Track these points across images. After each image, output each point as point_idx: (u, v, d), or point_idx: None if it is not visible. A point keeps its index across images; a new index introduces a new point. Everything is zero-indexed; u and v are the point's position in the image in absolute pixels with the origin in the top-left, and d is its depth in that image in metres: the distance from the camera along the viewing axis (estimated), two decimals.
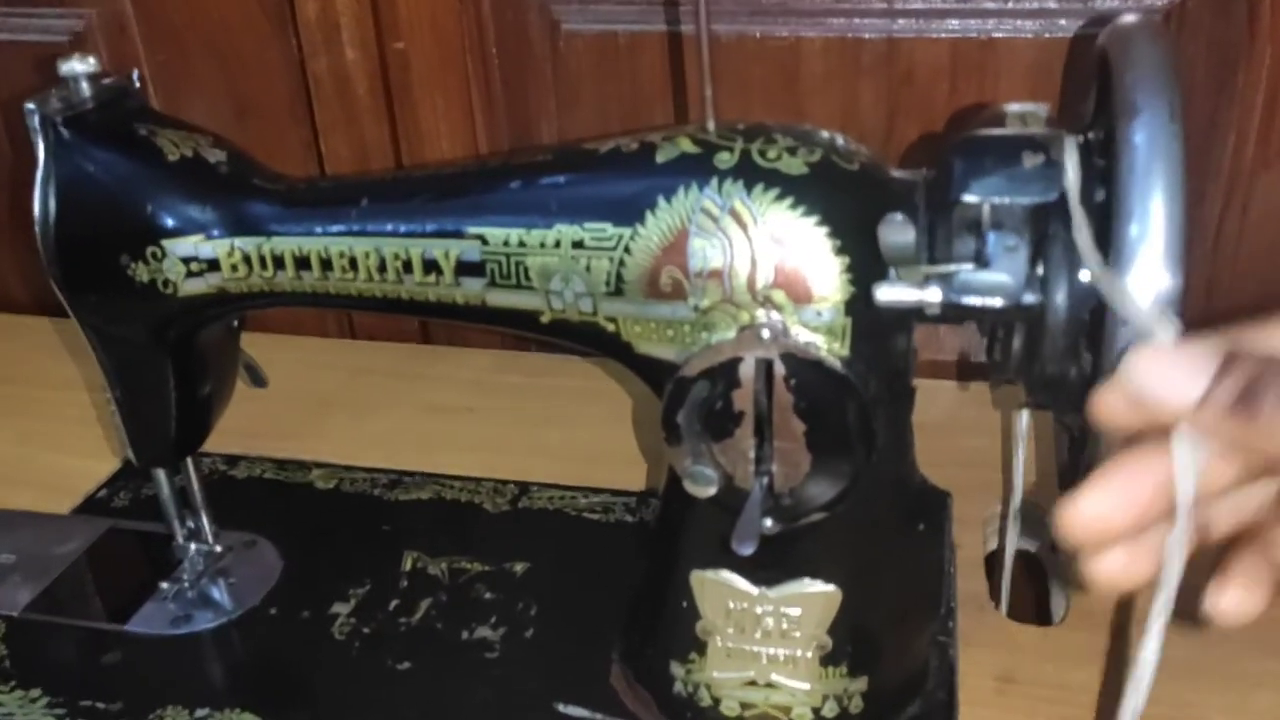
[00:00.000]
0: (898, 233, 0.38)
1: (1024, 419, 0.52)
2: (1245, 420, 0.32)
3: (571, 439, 0.74)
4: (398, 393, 0.80)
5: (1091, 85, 0.44)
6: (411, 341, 0.88)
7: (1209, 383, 0.33)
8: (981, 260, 0.38)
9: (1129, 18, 0.40)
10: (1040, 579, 0.63)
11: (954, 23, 0.68)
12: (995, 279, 0.37)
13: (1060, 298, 0.36)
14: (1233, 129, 0.68)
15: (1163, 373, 0.34)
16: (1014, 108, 0.42)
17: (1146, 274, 0.36)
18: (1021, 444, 0.52)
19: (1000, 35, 0.67)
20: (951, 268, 0.38)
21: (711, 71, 0.44)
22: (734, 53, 0.71)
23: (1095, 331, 0.38)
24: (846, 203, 0.42)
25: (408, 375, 0.83)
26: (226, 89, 0.81)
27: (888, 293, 0.39)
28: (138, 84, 0.54)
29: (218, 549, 0.63)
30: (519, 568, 0.62)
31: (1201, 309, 0.74)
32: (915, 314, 0.41)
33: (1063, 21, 0.66)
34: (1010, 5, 0.67)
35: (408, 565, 0.63)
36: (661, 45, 0.73)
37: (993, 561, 0.61)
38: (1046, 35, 0.67)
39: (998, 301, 0.38)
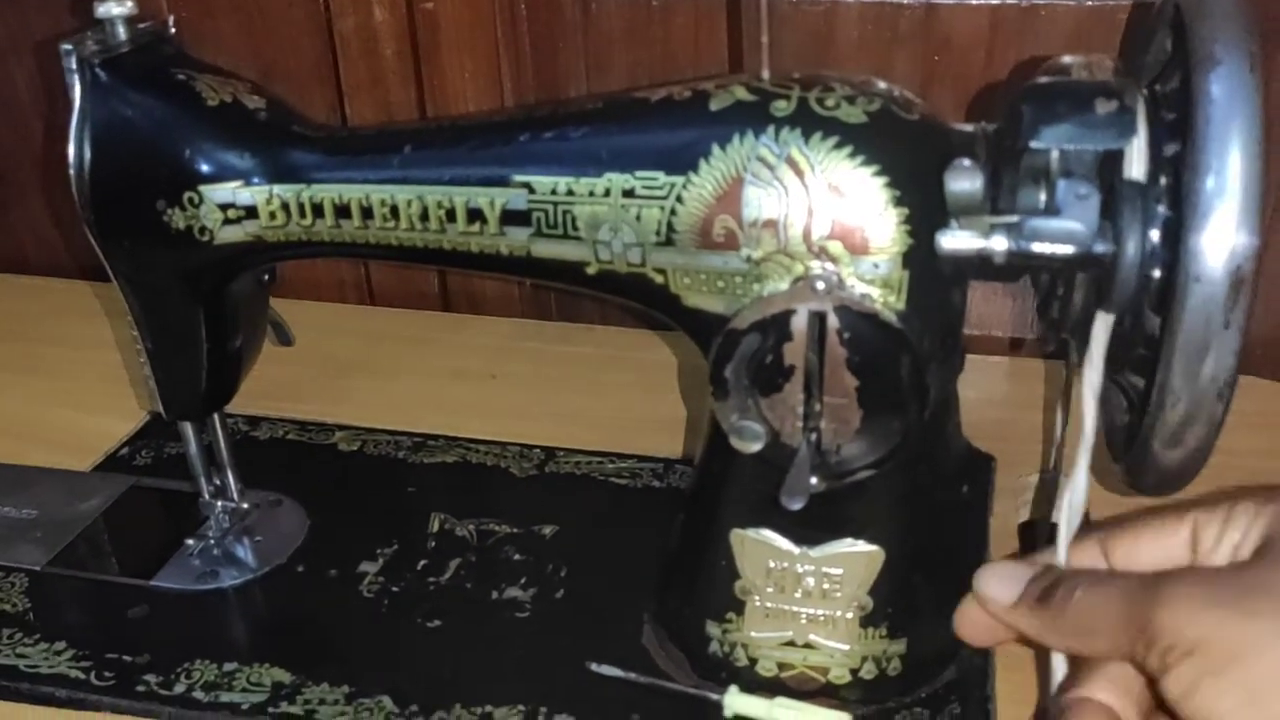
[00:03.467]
0: (965, 178, 0.38)
1: (1074, 385, 0.51)
2: (1044, 609, 0.41)
3: (594, 406, 0.73)
4: (418, 358, 0.80)
5: (1152, 39, 0.44)
6: (431, 308, 0.87)
7: (1024, 587, 0.42)
8: (1050, 208, 0.37)
9: None
10: None
11: None
12: (1066, 226, 0.37)
13: (1132, 248, 0.36)
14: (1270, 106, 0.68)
15: (993, 582, 0.43)
16: (1076, 59, 0.41)
17: (1221, 231, 0.35)
18: (1069, 412, 0.51)
19: (1041, 1, 0.67)
20: (1018, 217, 0.38)
21: (753, 31, 0.43)
22: (755, 16, 0.70)
23: (1164, 291, 0.37)
24: (906, 153, 0.42)
25: (428, 341, 0.82)
26: (251, 48, 0.80)
27: (952, 240, 0.39)
28: (174, 31, 0.53)
29: (244, 506, 0.63)
30: (547, 530, 0.62)
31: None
32: (975, 267, 0.41)
33: None
34: None
35: (434, 526, 0.63)
36: (695, 8, 0.72)
37: (1024, 531, 0.61)
38: (1089, 2, 0.66)
39: (1068, 249, 0.37)
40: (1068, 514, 0.43)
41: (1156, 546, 0.42)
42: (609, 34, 0.74)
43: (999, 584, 0.44)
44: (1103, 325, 0.38)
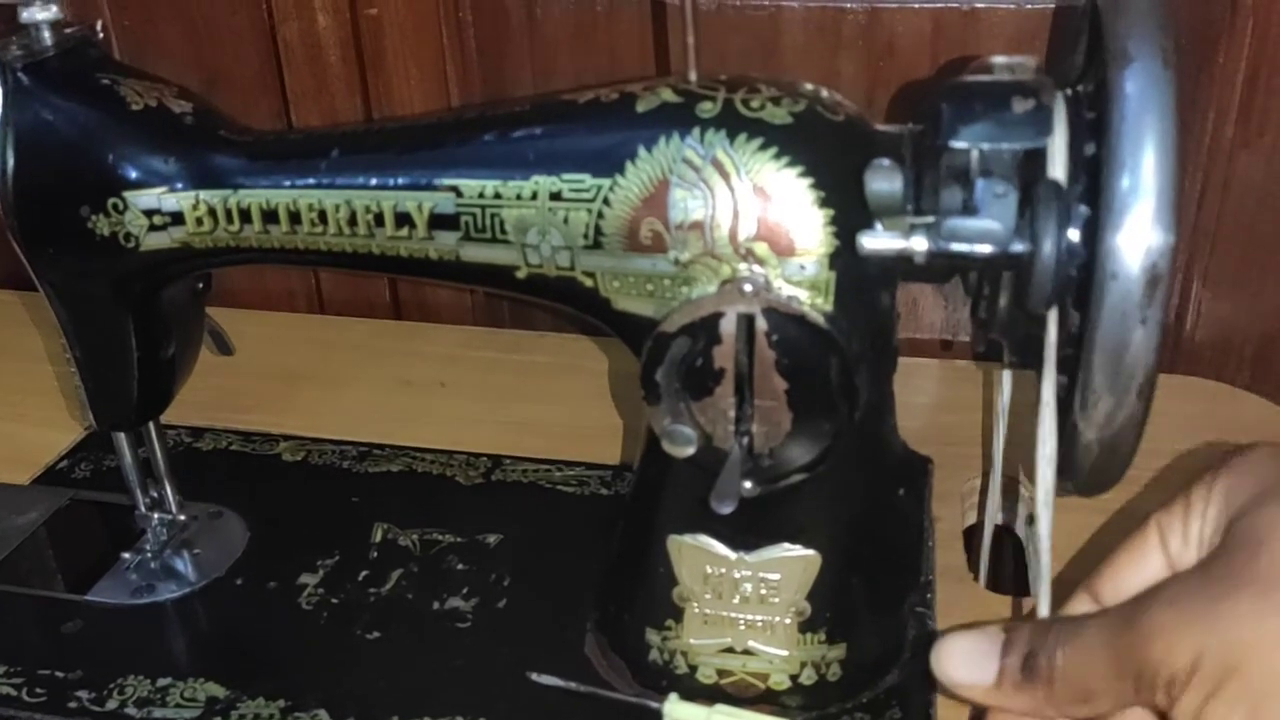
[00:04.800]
0: (885, 179, 0.37)
1: (1006, 387, 0.51)
2: (1032, 684, 0.39)
3: (545, 414, 0.73)
4: (368, 367, 0.79)
5: (1078, 40, 0.44)
6: (382, 317, 0.86)
7: (998, 662, 0.40)
8: (969, 208, 0.37)
9: None
10: (1018, 551, 0.63)
11: None
12: (983, 225, 0.36)
13: (1049, 246, 0.35)
14: (1213, 107, 0.68)
15: (960, 664, 0.41)
16: (1001, 60, 0.41)
17: (1137, 229, 0.35)
18: (1004, 413, 0.51)
19: (982, 6, 0.67)
20: (937, 216, 0.37)
21: (679, 33, 0.43)
22: (713, 22, 0.70)
23: (1083, 290, 0.37)
24: (831, 154, 0.42)
25: (378, 350, 0.81)
26: (194, 55, 0.80)
27: (873, 241, 0.38)
28: (101, 35, 0.53)
29: (181, 519, 0.62)
30: (492, 539, 0.61)
31: (1179, 287, 0.74)
32: (900, 267, 0.41)
33: None
34: None
35: (377, 536, 0.62)
36: (640, 15, 0.72)
37: (971, 535, 0.61)
38: (1028, 6, 0.66)
39: (986, 249, 0.37)
40: (1044, 557, 0.42)
41: (1135, 569, 0.41)
42: (554, 39, 0.74)
43: (967, 666, 0.42)
44: (1053, 324, 0.38)
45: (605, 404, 0.73)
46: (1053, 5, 0.66)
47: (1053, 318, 0.39)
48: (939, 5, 0.68)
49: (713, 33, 0.70)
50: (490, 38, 0.75)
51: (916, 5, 0.68)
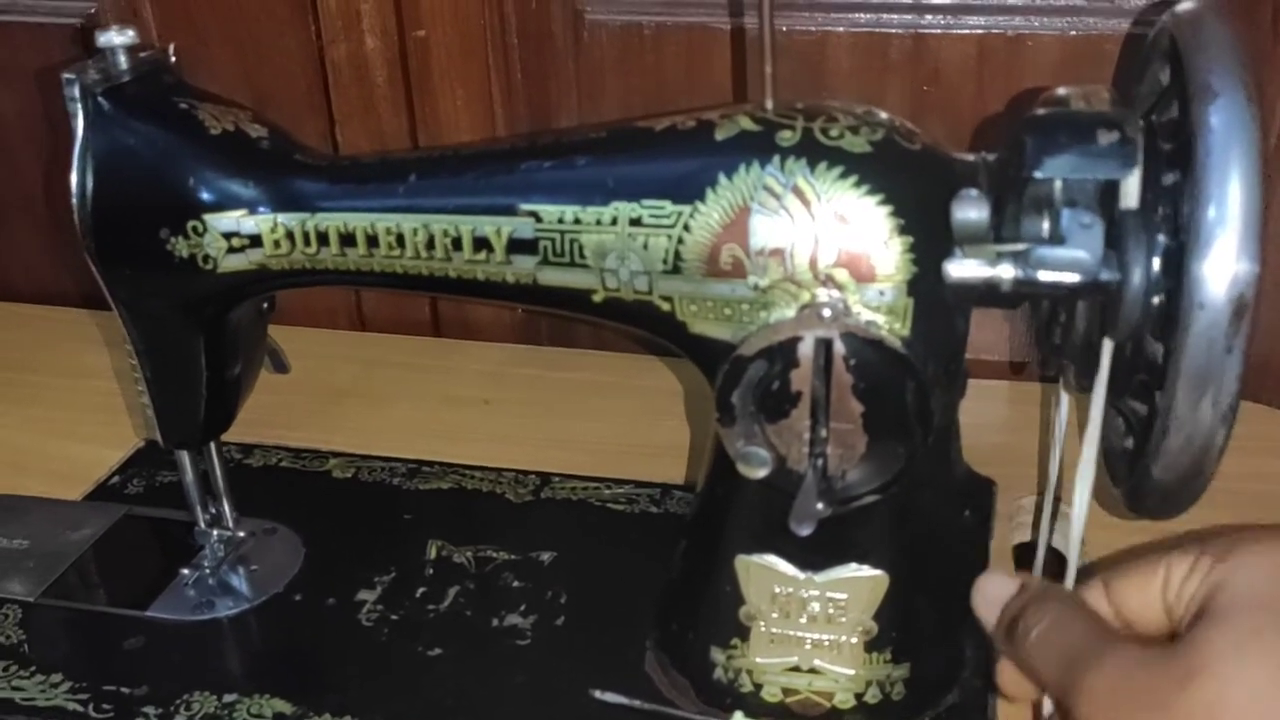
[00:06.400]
0: (972, 208, 0.38)
1: (1064, 407, 0.52)
2: (1009, 643, 0.44)
3: (589, 432, 0.73)
4: (412, 384, 0.79)
5: (1145, 70, 0.45)
6: (423, 334, 0.87)
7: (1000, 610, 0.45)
8: (1055, 237, 0.38)
9: (1192, 1, 0.41)
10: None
11: (981, 19, 0.68)
12: (1072, 255, 0.37)
13: (1138, 276, 0.36)
14: None
15: (980, 602, 0.46)
16: (1073, 89, 0.42)
17: (1223, 259, 0.36)
18: (1061, 434, 0.52)
19: (1028, 32, 0.68)
20: (1024, 245, 0.38)
21: (756, 63, 0.44)
22: (759, 48, 0.71)
23: (1164, 319, 0.38)
24: (910, 182, 0.42)
25: (421, 367, 0.82)
26: (242, 76, 0.80)
27: (959, 269, 0.39)
28: (174, 59, 0.53)
29: (239, 535, 0.62)
30: (545, 556, 0.62)
31: None
32: (979, 294, 0.41)
33: (1091, 19, 0.67)
34: (1037, 2, 0.67)
35: (432, 554, 0.62)
36: (688, 38, 0.73)
37: (1020, 552, 0.61)
38: (1073, 33, 0.67)
39: (1074, 278, 0.38)
40: (1076, 542, 0.43)
41: (1139, 591, 0.42)
42: (600, 61, 0.75)
43: (984, 605, 0.46)
44: (1108, 353, 0.39)
45: (649, 422, 0.74)
46: (1096, 32, 0.67)
47: (1107, 346, 0.40)
48: (983, 31, 0.69)
49: (758, 57, 0.71)
50: (536, 60, 0.76)
51: (962, 31, 0.69)
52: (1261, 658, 0.35)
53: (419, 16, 0.76)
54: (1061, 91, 0.43)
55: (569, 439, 0.72)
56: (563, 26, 0.75)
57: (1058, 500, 0.61)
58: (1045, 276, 0.38)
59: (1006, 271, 0.38)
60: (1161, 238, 0.38)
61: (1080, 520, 0.44)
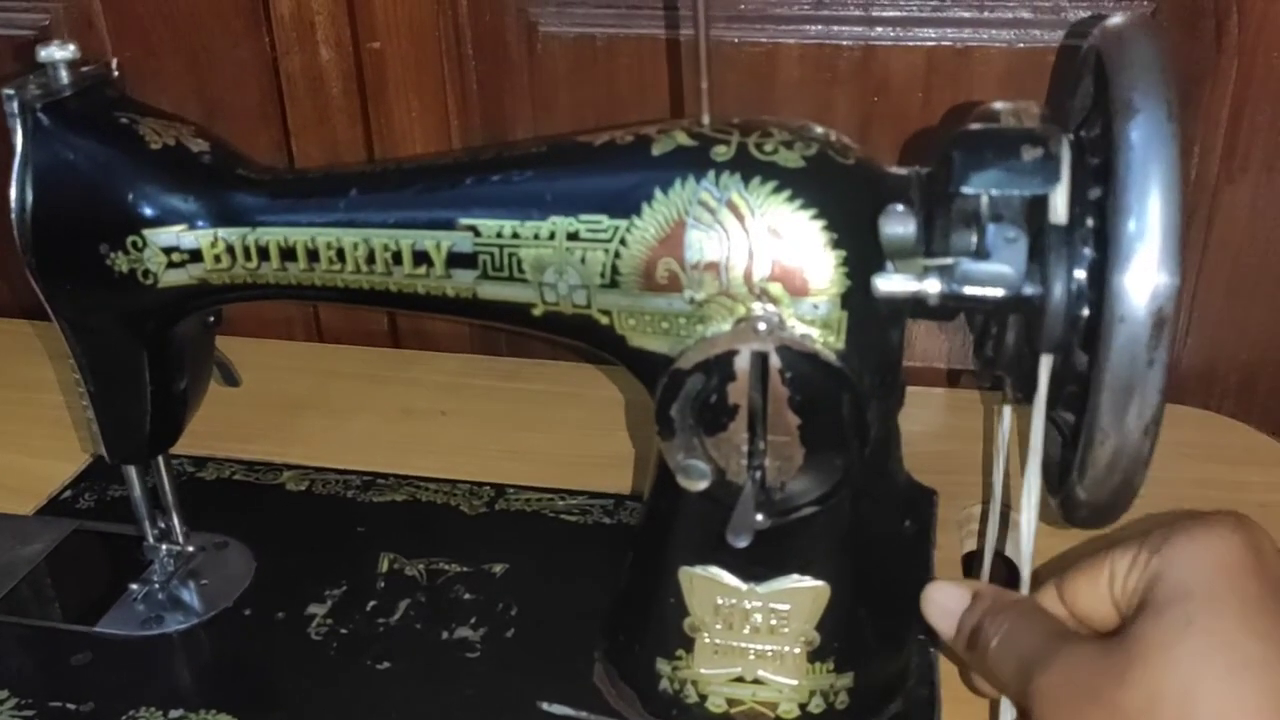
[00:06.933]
0: (899, 223, 0.39)
1: (1006, 418, 0.52)
2: (971, 652, 0.44)
3: (544, 443, 0.73)
4: (368, 396, 0.79)
5: (1078, 85, 0.45)
6: (381, 345, 0.87)
7: (959, 619, 0.45)
8: (981, 252, 0.38)
9: (1121, 17, 0.41)
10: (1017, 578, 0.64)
11: (931, 31, 0.69)
12: (995, 269, 0.38)
13: (1059, 289, 0.37)
14: (1197, 143, 0.70)
15: (934, 613, 0.47)
16: (1005, 105, 0.43)
17: (1143, 272, 0.36)
18: (1004, 444, 0.52)
19: (975, 44, 0.68)
20: (951, 260, 0.39)
21: (692, 78, 0.44)
22: (695, 62, 0.71)
23: (1090, 331, 0.39)
24: (843, 196, 0.43)
25: (378, 379, 0.82)
26: (195, 87, 0.80)
27: (887, 283, 0.40)
28: (116, 74, 0.53)
29: (189, 549, 0.62)
30: (498, 569, 0.62)
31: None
32: (910, 307, 0.42)
33: (1037, 32, 0.67)
34: (986, 15, 0.68)
35: (384, 566, 0.62)
36: (639, 49, 0.73)
37: (969, 561, 0.62)
38: (1021, 45, 0.68)
39: (998, 292, 0.38)
40: (1027, 552, 0.45)
41: (1089, 590, 0.43)
42: (554, 73, 0.75)
43: (939, 615, 0.47)
44: (1046, 368, 0.39)
45: (604, 432, 0.74)
46: (1042, 44, 0.68)
47: (1045, 361, 0.40)
48: (932, 44, 0.69)
49: (694, 71, 0.72)
50: (491, 72, 0.76)
51: (911, 43, 0.69)
52: (1195, 647, 0.36)
53: (374, 28, 0.76)
54: (995, 106, 0.43)
55: (525, 450, 0.73)
56: (517, 38, 0.75)
57: (1006, 508, 0.62)
58: (970, 290, 0.38)
59: (933, 285, 0.39)
60: (1087, 252, 0.39)
61: (1030, 530, 0.45)
